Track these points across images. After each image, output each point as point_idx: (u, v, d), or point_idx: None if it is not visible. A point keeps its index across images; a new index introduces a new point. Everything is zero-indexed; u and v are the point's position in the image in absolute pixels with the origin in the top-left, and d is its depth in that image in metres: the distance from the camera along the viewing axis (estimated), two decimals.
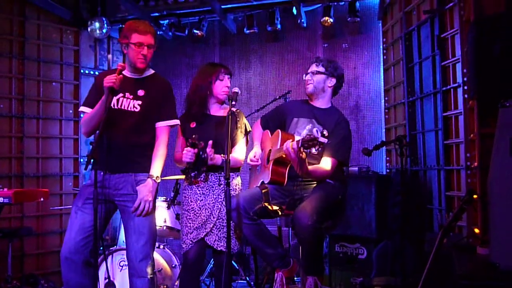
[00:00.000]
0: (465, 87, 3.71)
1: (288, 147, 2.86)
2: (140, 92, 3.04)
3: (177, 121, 3.13)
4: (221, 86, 3.37)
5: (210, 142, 3.14)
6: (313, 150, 2.73)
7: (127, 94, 3.03)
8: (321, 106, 3.40)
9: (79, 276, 2.87)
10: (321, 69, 3.38)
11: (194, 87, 3.40)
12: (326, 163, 3.15)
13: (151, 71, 3.17)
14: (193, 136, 3.09)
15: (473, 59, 3.07)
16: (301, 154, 2.85)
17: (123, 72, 2.98)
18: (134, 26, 2.99)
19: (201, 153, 3.12)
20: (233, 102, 3.05)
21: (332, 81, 3.38)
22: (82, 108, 3.10)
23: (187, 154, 3.15)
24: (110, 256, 3.95)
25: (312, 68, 3.41)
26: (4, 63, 5.19)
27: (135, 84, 3.06)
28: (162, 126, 3.05)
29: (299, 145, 2.77)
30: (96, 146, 2.78)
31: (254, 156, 3.36)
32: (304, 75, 3.45)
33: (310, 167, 2.95)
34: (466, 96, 3.70)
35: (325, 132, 2.72)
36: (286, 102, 3.67)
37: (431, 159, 4.39)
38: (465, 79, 3.71)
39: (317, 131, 2.71)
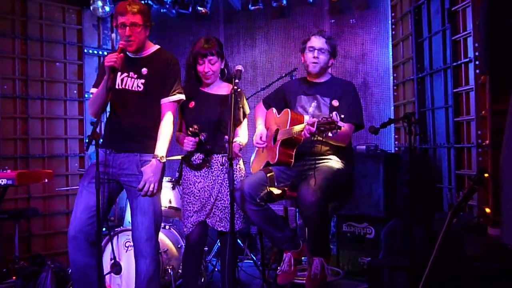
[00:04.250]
0: (477, 62, 3.60)
1: (308, 131, 2.78)
2: (144, 71, 2.99)
3: (181, 96, 3.04)
4: (201, 71, 3.22)
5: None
6: (330, 134, 2.66)
7: (131, 74, 3.00)
8: (322, 80, 3.35)
9: (85, 255, 2.87)
10: (328, 47, 3.29)
11: (185, 64, 3.29)
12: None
13: (156, 47, 3.11)
14: (195, 126, 3.06)
15: (485, 32, 2.97)
16: (316, 137, 2.81)
17: (127, 53, 2.95)
18: (117, 8, 2.96)
19: (203, 142, 3.09)
20: (236, 80, 2.96)
21: (331, 61, 3.34)
22: (91, 90, 3.10)
23: (188, 143, 3.12)
24: (116, 236, 3.93)
25: (320, 43, 3.28)
26: (7, 44, 5.10)
27: (139, 63, 3.02)
28: (166, 102, 3.00)
29: (315, 128, 2.70)
30: (96, 126, 2.74)
31: (261, 138, 3.30)
32: (308, 49, 3.32)
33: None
34: (477, 71, 3.59)
35: (342, 116, 2.65)
36: (286, 83, 3.61)
37: (441, 137, 4.31)
38: (476, 53, 3.60)
39: (336, 114, 2.64)
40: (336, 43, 3.36)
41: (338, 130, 2.65)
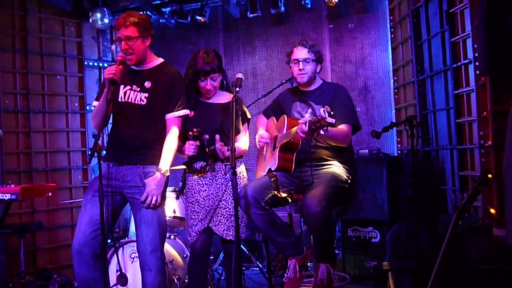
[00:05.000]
0: (477, 63, 3.60)
1: (300, 130, 2.79)
2: (147, 84, 2.98)
3: (186, 111, 3.04)
4: (203, 87, 3.18)
5: (217, 137, 3.04)
6: (321, 132, 2.66)
7: (134, 87, 2.99)
8: (313, 88, 3.37)
9: (90, 269, 2.86)
10: (312, 56, 3.28)
11: (184, 78, 3.19)
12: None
13: (160, 60, 3.09)
14: (194, 129, 3.00)
15: (483, 33, 2.96)
16: (311, 136, 2.81)
17: (130, 66, 2.96)
18: (115, 22, 2.96)
19: (205, 144, 3.01)
20: (237, 88, 2.96)
21: (319, 67, 3.34)
22: (93, 103, 3.10)
23: (190, 147, 3.07)
24: (121, 248, 3.92)
25: (303, 54, 3.27)
26: (7, 58, 5.14)
27: (142, 75, 3.01)
28: (171, 117, 2.99)
29: (307, 127, 2.71)
30: (98, 139, 2.74)
31: (261, 137, 3.31)
32: (293, 61, 3.30)
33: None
34: (477, 72, 3.59)
35: (332, 112, 2.65)
36: (281, 93, 3.63)
37: (443, 139, 4.30)
38: (476, 54, 3.60)
39: (324, 111, 2.64)
40: (319, 49, 3.35)
41: (329, 127, 2.65)
